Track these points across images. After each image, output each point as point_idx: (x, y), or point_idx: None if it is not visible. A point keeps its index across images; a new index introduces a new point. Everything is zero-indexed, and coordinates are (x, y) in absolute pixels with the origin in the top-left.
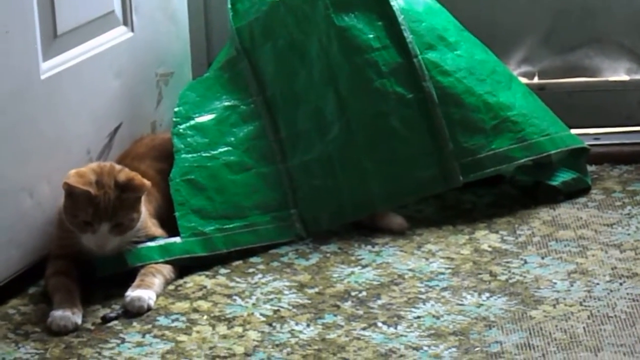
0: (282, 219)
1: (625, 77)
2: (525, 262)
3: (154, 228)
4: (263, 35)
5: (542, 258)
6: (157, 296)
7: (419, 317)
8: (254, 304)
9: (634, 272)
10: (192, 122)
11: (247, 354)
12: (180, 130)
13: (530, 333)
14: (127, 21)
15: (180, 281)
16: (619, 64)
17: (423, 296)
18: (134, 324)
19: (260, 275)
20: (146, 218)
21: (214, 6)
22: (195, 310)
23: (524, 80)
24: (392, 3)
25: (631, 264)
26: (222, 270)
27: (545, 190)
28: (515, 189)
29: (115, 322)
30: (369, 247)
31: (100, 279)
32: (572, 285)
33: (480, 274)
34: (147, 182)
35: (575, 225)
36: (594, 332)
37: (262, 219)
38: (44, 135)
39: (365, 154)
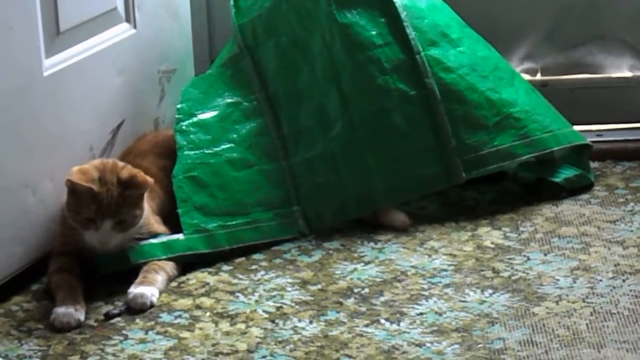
0: (285, 215)
1: (628, 74)
2: (528, 259)
3: (157, 225)
4: (265, 32)
5: (545, 255)
6: (160, 293)
7: (421, 313)
8: (256, 301)
9: (636, 269)
10: (194, 119)
11: (249, 351)
12: (183, 127)
13: (533, 330)
14: (129, 18)
15: (183, 278)
16: (622, 60)
17: (426, 293)
18: (137, 320)
19: (262, 272)
20: (149, 215)
21: (217, 3)
22: (198, 307)
23: (526, 77)
24: (395, 0)
25: (634, 260)
26: (225, 267)
27: (548, 187)
28: (518, 185)
29: (118, 318)
30: (372, 243)
31: (103, 275)
32: (574, 282)
33: (482, 270)
34: (149, 179)
35: (578, 221)
36: (596, 329)
37: (265, 216)
38: (47, 132)
39: (368, 151)
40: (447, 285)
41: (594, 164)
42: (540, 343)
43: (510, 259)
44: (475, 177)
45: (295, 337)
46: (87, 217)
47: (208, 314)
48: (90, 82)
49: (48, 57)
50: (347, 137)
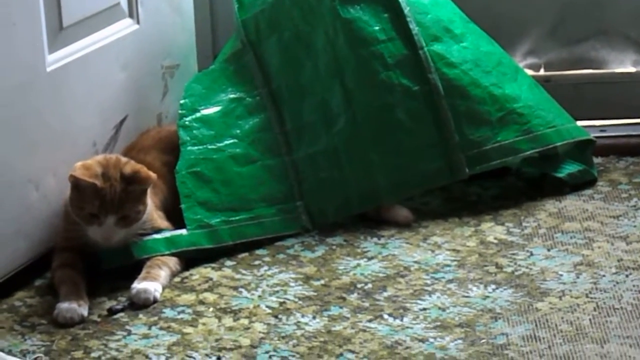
0: (288, 211)
1: (631, 69)
2: (531, 254)
3: (160, 220)
4: (269, 27)
5: (548, 250)
6: (163, 288)
7: (424, 309)
8: (259, 296)
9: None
10: (197, 115)
11: (253, 346)
12: (186, 123)
13: (536, 325)
14: (132, 13)
15: (186, 273)
16: (626, 55)
17: (429, 288)
18: (140, 316)
19: (266, 268)
20: (152, 210)
21: None
22: (201, 303)
23: (529, 72)
24: None
25: (637, 255)
26: (228, 263)
27: (551, 182)
28: (521, 181)
29: (122, 314)
30: (375, 239)
31: (106, 271)
32: (578, 277)
33: (486, 266)
34: (153, 175)
35: (581, 217)
36: (600, 324)
37: (268, 211)
38: (50, 128)
39: (371, 146)
40: (450, 281)
41: (597, 159)
42: (544, 338)
43: (513, 254)
44: (478, 172)
45: (299, 332)
46: (91, 213)
47: (211, 309)
48: (93, 78)
49: (51, 52)
50: (350, 132)
